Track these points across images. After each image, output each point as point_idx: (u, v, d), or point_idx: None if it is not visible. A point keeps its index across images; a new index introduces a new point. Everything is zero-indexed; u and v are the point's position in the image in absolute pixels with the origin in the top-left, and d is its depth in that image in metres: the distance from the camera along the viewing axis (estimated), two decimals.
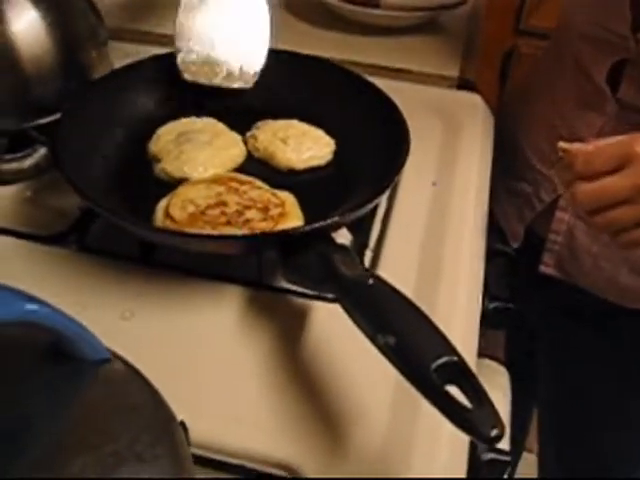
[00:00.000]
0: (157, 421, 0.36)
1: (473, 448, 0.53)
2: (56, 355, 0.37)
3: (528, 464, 1.09)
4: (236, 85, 0.70)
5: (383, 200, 0.69)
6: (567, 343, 0.87)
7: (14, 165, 0.73)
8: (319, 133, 0.69)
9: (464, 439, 0.52)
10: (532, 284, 0.82)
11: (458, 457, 0.51)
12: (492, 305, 0.67)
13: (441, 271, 0.63)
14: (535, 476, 1.04)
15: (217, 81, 0.71)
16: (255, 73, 0.70)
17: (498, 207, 0.82)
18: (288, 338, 0.56)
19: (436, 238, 0.66)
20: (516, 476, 1.09)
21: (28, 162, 0.73)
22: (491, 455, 0.55)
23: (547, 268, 0.80)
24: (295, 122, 0.70)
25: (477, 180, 0.73)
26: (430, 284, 0.61)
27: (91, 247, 0.63)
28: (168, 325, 0.57)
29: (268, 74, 0.72)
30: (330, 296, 0.57)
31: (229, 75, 0.70)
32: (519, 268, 0.73)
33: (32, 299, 0.33)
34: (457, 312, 0.59)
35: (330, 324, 0.56)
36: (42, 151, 0.74)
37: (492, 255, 0.71)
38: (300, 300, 0.58)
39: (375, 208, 0.67)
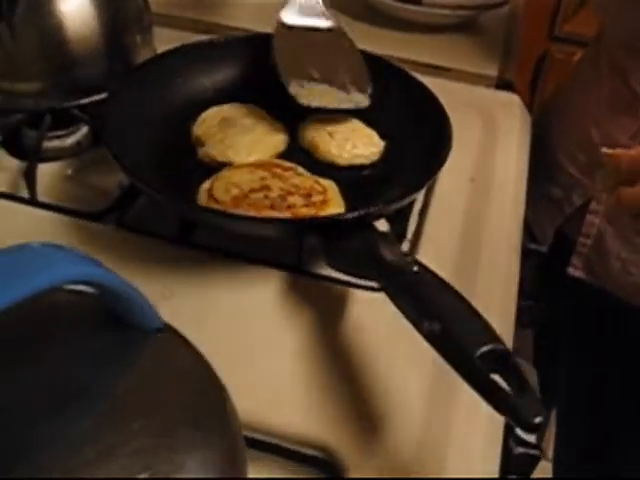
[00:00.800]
0: (210, 391, 0.36)
1: (505, 441, 0.53)
2: (109, 322, 0.38)
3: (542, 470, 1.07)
4: (352, 106, 0.69)
5: (420, 194, 0.69)
6: (591, 348, 0.86)
7: (56, 143, 0.74)
8: (369, 132, 0.70)
9: (499, 431, 0.52)
10: (560, 285, 0.82)
11: (492, 449, 0.51)
12: (526, 303, 0.67)
13: (478, 266, 0.63)
14: None
15: (333, 104, 0.69)
16: (369, 93, 0.70)
17: (528, 209, 0.82)
18: (326, 324, 0.56)
19: (473, 233, 0.66)
20: None
21: (70, 140, 0.74)
22: (522, 449, 0.56)
23: (576, 270, 0.80)
24: (348, 118, 0.70)
25: (515, 177, 0.74)
26: (466, 278, 0.61)
27: (131, 225, 0.64)
28: (207, 306, 0.57)
29: None
30: (370, 284, 0.58)
31: (343, 96, 0.69)
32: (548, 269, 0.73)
33: (94, 261, 0.34)
34: (493, 307, 0.59)
35: (367, 312, 0.57)
36: (84, 130, 0.76)
37: (525, 255, 0.72)
38: (338, 287, 0.59)
39: (412, 201, 0.68)
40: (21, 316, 0.36)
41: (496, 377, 0.41)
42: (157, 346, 0.38)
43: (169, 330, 0.39)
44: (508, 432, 0.54)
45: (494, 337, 0.43)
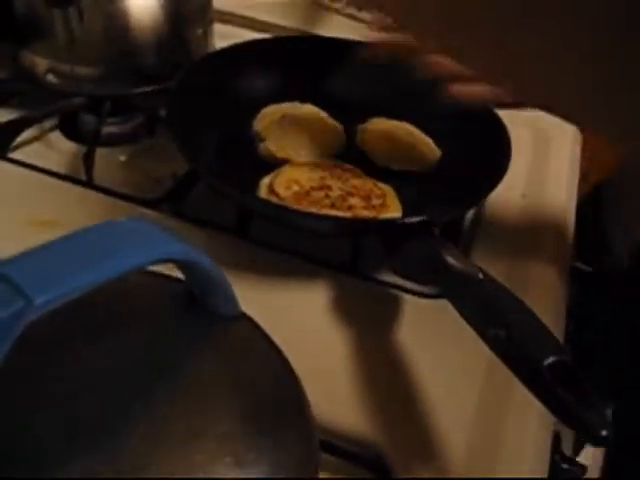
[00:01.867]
0: (287, 379, 0.36)
1: (551, 455, 0.54)
2: (190, 306, 0.38)
3: None
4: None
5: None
6: None
7: (113, 129, 0.75)
8: (427, 140, 0.70)
9: (547, 444, 0.53)
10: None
11: (540, 463, 0.51)
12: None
13: (527, 282, 0.63)
14: None
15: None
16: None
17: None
18: (379, 327, 0.56)
19: (523, 249, 0.66)
20: None
21: (127, 127, 0.75)
22: (566, 466, 0.56)
23: None
24: (407, 125, 0.71)
25: (565, 195, 0.74)
26: (516, 293, 0.62)
27: (187, 215, 0.64)
28: (259, 299, 0.57)
29: (381, 72, 0.72)
30: (423, 290, 0.58)
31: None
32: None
33: (183, 240, 0.34)
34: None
35: (421, 318, 0.57)
36: (140, 118, 0.76)
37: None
38: (393, 292, 0.59)
39: (463, 215, 0.68)
40: (103, 296, 0.36)
41: (562, 388, 0.41)
42: (237, 333, 0.38)
43: (247, 319, 0.39)
44: (554, 447, 0.55)
45: (560, 348, 0.43)
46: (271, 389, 0.35)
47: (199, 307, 0.38)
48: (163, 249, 0.33)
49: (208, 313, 0.38)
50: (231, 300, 0.38)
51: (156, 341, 0.36)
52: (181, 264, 0.35)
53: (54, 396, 0.32)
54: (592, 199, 0.82)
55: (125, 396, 0.33)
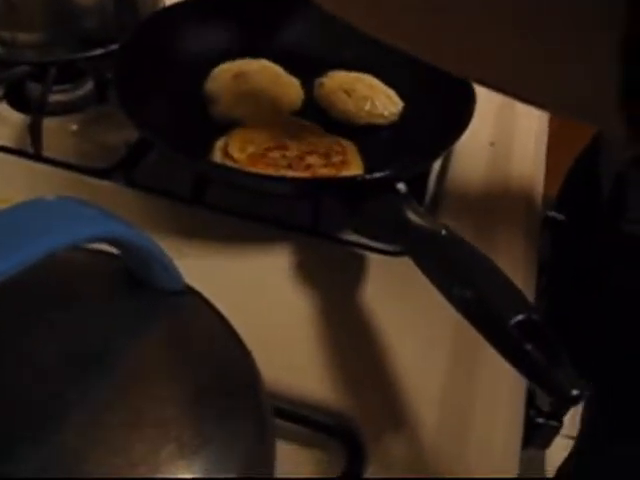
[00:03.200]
0: (236, 355, 0.34)
1: (526, 412, 0.52)
2: (130, 283, 0.36)
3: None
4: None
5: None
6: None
7: (61, 97, 0.71)
8: (388, 92, 0.67)
9: (521, 401, 0.51)
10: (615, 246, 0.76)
11: (515, 419, 0.50)
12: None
13: (497, 233, 0.61)
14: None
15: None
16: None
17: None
18: (343, 288, 0.54)
19: (492, 199, 0.65)
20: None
21: (76, 94, 0.72)
22: (541, 420, 0.54)
23: (628, 225, 0.74)
24: (367, 77, 0.68)
25: (535, 142, 0.72)
26: (485, 246, 0.59)
27: (141, 183, 0.61)
28: (219, 267, 0.55)
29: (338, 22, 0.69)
30: (388, 248, 0.56)
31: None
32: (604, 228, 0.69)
33: (116, 217, 0.32)
34: (514, 277, 0.58)
35: (386, 276, 0.55)
36: (89, 84, 0.73)
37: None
38: (356, 251, 0.57)
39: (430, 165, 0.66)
40: (37, 277, 0.34)
41: (530, 347, 0.39)
42: (181, 309, 0.36)
43: (192, 292, 0.37)
44: (529, 402, 0.53)
45: (528, 306, 0.41)
46: (219, 367, 0.33)
47: (140, 284, 0.35)
48: (91, 227, 0.30)
49: (149, 290, 0.35)
50: (173, 275, 0.35)
51: (93, 322, 0.33)
52: (113, 242, 0.32)
53: None
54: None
55: (61, 381, 0.31)
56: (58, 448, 0.29)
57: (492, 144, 0.70)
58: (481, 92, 0.64)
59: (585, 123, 0.43)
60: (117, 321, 0.34)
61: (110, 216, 0.32)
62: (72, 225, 0.29)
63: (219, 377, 0.32)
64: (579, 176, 0.74)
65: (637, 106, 0.33)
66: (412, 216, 0.48)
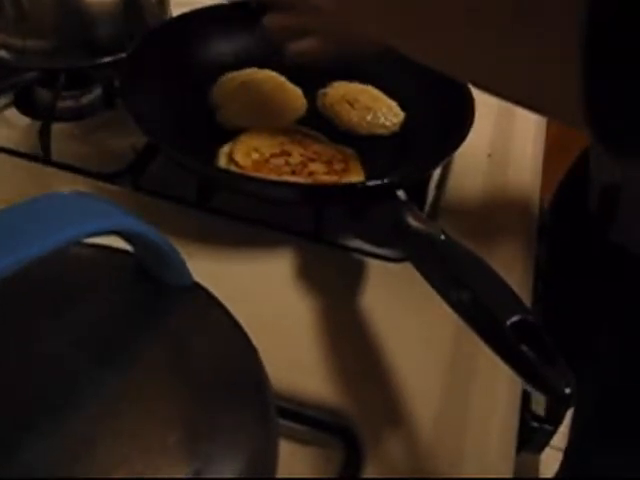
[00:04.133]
0: (242, 351, 0.36)
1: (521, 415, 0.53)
2: (139, 278, 0.37)
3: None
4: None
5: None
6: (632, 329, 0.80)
7: (69, 103, 0.73)
8: (390, 103, 0.69)
9: (516, 404, 0.52)
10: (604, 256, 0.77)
11: (510, 422, 0.51)
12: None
13: (494, 242, 0.63)
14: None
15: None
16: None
17: None
18: (344, 293, 0.56)
19: (490, 208, 0.66)
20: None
21: (84, 101, 0.74)
22: (536, 424, 0.56)
23: (616, 236, 0.75)
24: (369, 88, 0.69)
25: (532, 154, 0.73)
26: (482, 252, 0.61)
27: (147, 188, 0.63)
28: (223, 272, 0.56)
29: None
30: (388, 255, 0.57)
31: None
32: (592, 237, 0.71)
33: (128, 212, 0.33)
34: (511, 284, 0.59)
35: (386, 282, 0.56)
36: (97, 91, 0.75)
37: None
38: (357, 257, 0.58)
39: (429, 174, 0.67)
40: (53, 270, 0.35)
41: (525, 348, 0.40)
42: (188, 304, 0.37)
43: (199, 288, 0.38)
44: (524, 406, 0.54)
45: (523, 308, 0.42)
46: (225, 362, 0.34)
47: (150, 279, 0.37)
48: (106, 220, 0.32)
49: (159, 285, 0.37)
50: (182, 271, 0.37)
51: (103, 315, 0.34)
52: (126, 236, 0.34)
53: None
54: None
55: (73, 372, 0.32)
56: (70, 436, 0.30)
57: (489, 155, 0.71)
58: (479, 103, 0.65)
59: (557, 120, 0.45)
60: (128, 315, 0.35)
61: (121, 210, 0.33)
62: (88, 218, 0.31)
63: (226, 371, 0.34)
64: (570, 186, 0.76)
65: (600, 106, 0.35)
66: (412, 221, 0.49)
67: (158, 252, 0.35)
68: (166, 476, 0.29)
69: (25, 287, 0.34)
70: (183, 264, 0.36)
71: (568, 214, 0.74)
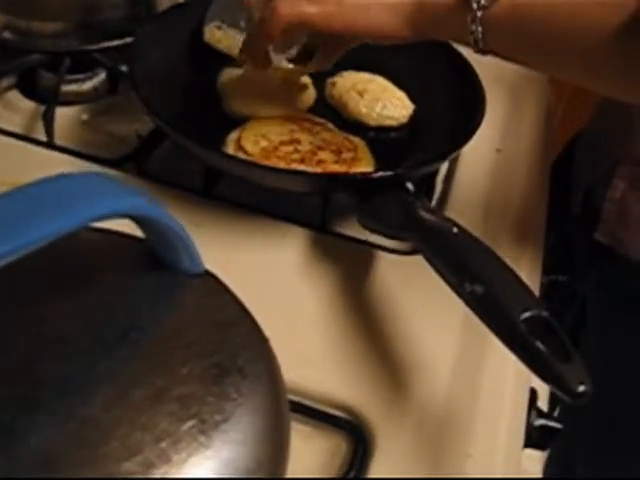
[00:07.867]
0: (254, 339, 0.35)
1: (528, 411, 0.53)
2: (151, 264, 0.36)
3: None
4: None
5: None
6: (618, 330, 0.81)
7: (73, 87, 0.72)
8: (400, 94, 0.68)
9: (524, 400, 0.52)
10: (589, 258, 0.78)
11: (517, 419, 0.50)
12: (547, 278, 0.66)
13: (503, 235, 0.62)
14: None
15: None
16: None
17: None
18: (350, 284, 0.55)
19: (498, 202, 0.65)
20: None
21: (88, 85, 0.72)
22: (542, 421, 0.55)
23: (601, 237, 0.76)
24: (379, 78, 0.68)
25: (540, 149, 0.73)
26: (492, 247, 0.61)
27: (152, 174, 0.62)
28: (228, 260, 0.55)
29: None
30: (399, 247, 0.57)
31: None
32: (576, 239, 0.71)
33: (143, 194, 0.32)
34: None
35: (393, 274, 0.56)
36: (102, 75, 0.73)
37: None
38: (363, 249, 0.58)
39: (437, 168, 0.66)
40: (65, 256, 0.35)
41: (539, 343, 0.40)
42: (200, 291, 0.36)
43: (212, 276, 0.38)
44: (530, 405, 0.54)
45: (537, 303, 0.42)
46: (238, 349, 0.34)
47: (161, 265, 0.36)
48: (119, 203, 0.31)
49: (170, 271, 0.36)
50: (194, 257, 0.36)
51: (116, 301, 0.34)
52: (139, 220, 0.33)
53: (12, 359, 0.30)
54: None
55: (85, 358, 0.31)
56: (84, 421, 0.29)
57: (498, 150, 0.71)
58: (489, 99, 0.65)
59: None
60: (141, 301, 0.35)
61: (136, 193, 0.32)
62: (99, 200, 0.30)
63: (239, 359, 0.33)
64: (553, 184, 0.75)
65: None
66: (423, 213, 0.48)
67: (170, 237, 0.34)
68: (176, 467, 0.29)
69: (39, 270, 0.34)
70: (195, 250, 0.36)
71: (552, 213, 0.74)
